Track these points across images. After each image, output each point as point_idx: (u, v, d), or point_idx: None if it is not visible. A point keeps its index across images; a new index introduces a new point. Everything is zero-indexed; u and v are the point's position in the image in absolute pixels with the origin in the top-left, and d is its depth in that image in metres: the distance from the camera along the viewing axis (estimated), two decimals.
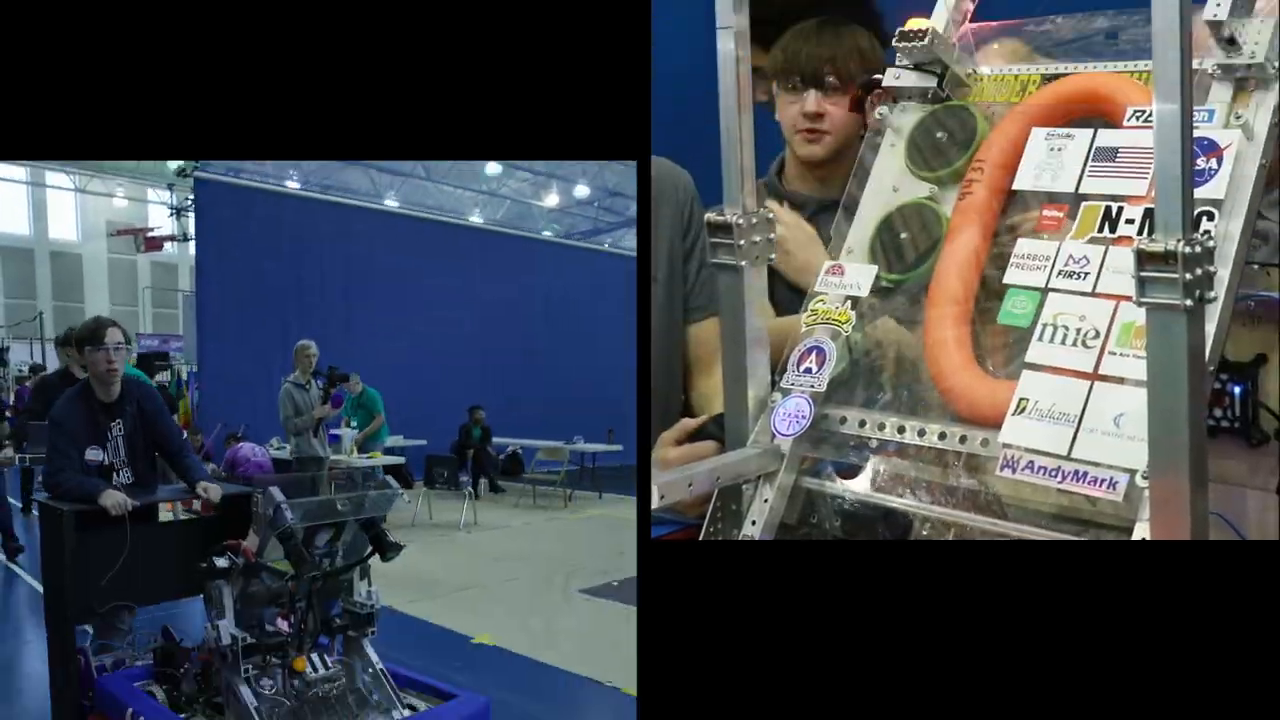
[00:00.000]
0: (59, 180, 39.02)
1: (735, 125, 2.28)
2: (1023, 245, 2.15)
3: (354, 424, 13.00)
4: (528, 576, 9.70)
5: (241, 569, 4.20)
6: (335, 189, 27.59)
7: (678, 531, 2.53)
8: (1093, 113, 2.24)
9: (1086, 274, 2.04)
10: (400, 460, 13.16)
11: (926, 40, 2.41)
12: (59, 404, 5.70)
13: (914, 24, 2.44)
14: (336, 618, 4.47)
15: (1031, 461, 1.98)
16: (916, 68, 2.48)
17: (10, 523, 10.51)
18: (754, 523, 2.32)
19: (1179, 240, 1.60)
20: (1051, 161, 2.19)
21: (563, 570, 9.82)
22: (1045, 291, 2.08)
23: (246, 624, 4.25)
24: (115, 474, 5.55)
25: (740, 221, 2.31)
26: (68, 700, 5.06)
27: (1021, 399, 2.02)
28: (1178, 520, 1.75)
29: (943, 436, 2.17)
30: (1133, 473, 1.87)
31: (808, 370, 2.35)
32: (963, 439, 2.14)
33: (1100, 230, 2.06)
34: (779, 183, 3.32)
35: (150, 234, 33.65)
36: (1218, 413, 2.20)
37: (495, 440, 17.07)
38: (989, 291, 2.22)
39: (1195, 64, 1.61)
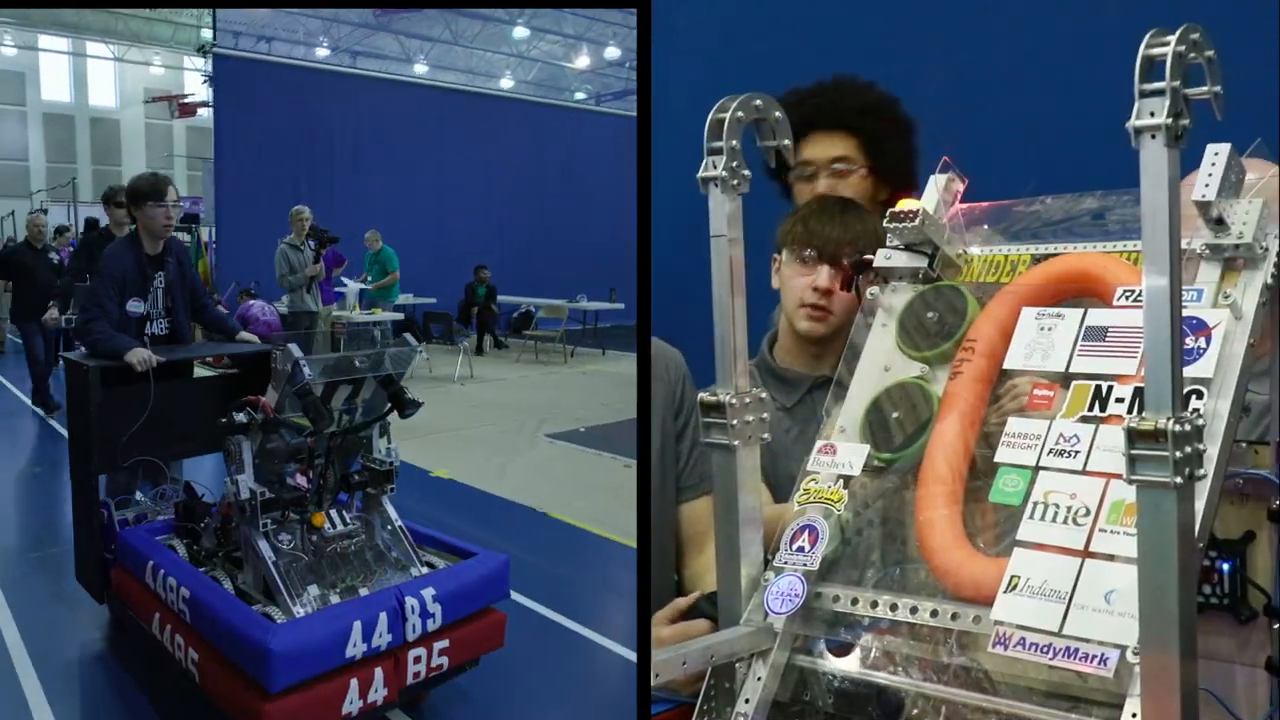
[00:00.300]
0: (99, 50, 41.68)
1: (729, 308, 2.33)
2: (1014, 424, 2.18)
3: (370, 279, 15.22)
4: (502, 423, 10.65)
5: (260, 424, 4.22)
6: (365, 54, 28.09)
7: (672, 710, 2.52)
8: (1082, 292, 2.30)
9: (1077, 452, 2.07)
10: (399, 317, 14.07)
11: (918, 221, 2.48)
12: (111, 253, 5.88)
13: (904, 205, 2.52)
14: (355, 474, 4.52)
15: (1023, 638, 1.99)
16: (908, 248, 2.55)
17: (48, 381, 11.34)
18: (748, 700, 2.32)
19: (1169, 418, 1.64)
20: (1042, 341, 2.25)
21: (537, 418, 10.35)
22: (1036, 470, 2.11)
23: (265, 479, 4.29)
24: (150, 323, 5.81)
25: (734, 401, 2.35)
26: (91, 552, 5.22)
27: (1013, 576, 2.04)
28: (1168, 695, 1.75)
29: (934, 614, 2.18)
30: (1123, 649, 1.88)
31: (800, 549, 2.37)
32: (954, 616, 2.15)
33: (1091, 409, 2.10)
34: (771, 359, 3.38)
35: (184, 100, 35.16)
36: (1206, 589, 2.22)
37: (504, 299, 18.66)
38: (979, 470, 2.25)
39: (1184, 244, 1.67)
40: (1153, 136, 1.64)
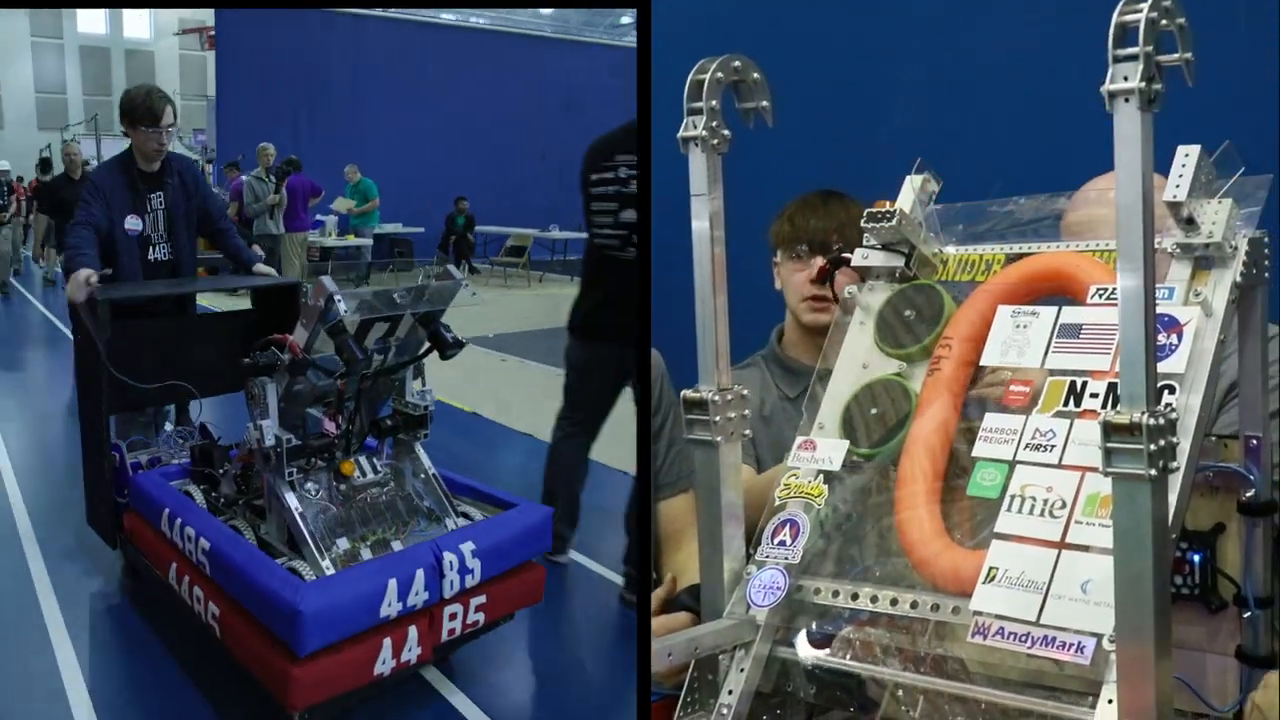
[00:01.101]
0: None
1: (710, 305, 2.38)
2: (990, 419, 2.23)
3: (356, 205, 17.68)
4: None
5: (287, 365, 3.97)
6: None
7: (656, 702, 2.56)
8: (1056, 290, 2.36)
9: (1053, 447, 2.12)
10: (368, 242, 15.49)
11: (895, 221, 2.53)
12: (99, 168, 5.75)
13: (880, 205, 2.57)
14: (386, 419, 4.22)
15: (1002, 628, 2.04)
16: (884, 247, 2.60)
17: None
18: (731, 691, 2.36)
19: (1144, 413, 1.69)
20: (1018, 338, 2.30)
21: (464, 330, 11.20)
22: (1013, 464, 2.16)
23: (290, 424, 4.08)
24: (152, 247, 5.53)
25: (716, 398, 2.39)
26: (101, 496, 5.05)
27: (991, 568, 2.08)
28: (1144, 681, 1.80)
29: (914, 605, 2.22)
30: (1099, 637, 1.93)
31: (782, 542, 2.42)
32: (934, 607, 2.19)
33: (1066, 404, 2.15)
34: (780, 351, 3.44)
35: (213, 32, 35.92)
36: (1178, 580, 2.27)
37: (482, 229, 20.53)
38: (957, 464, 2.30)
39: (1155, 243, 1.71)
40: (1126, 100, 1.68)
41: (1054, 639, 1.97)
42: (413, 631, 3.77)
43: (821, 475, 2.44)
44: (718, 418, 2.40)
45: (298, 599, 3.43)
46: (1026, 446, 2.16)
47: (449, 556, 3.82)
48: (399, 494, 4.27)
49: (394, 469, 4.35)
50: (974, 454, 2.23)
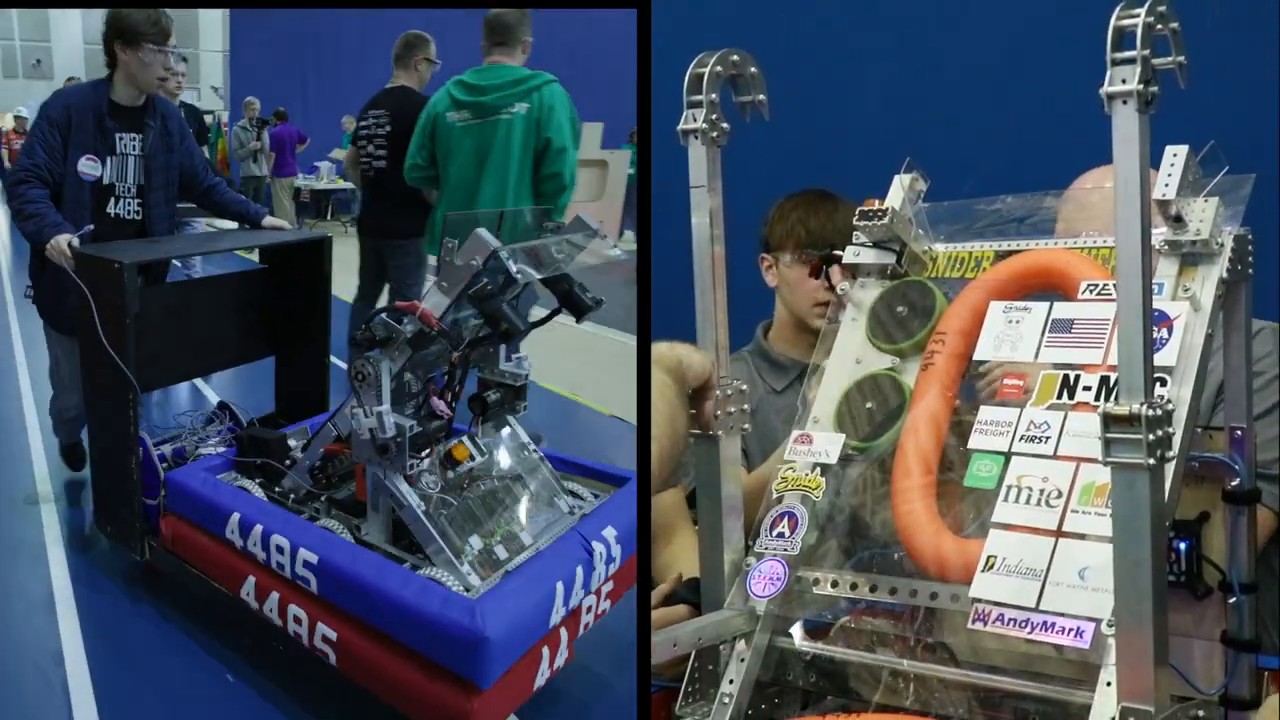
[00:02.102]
0: None
1: (711, 298, 2.44)
2: (985, 412, 2.29)
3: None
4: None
5: (408, 339, 3.46)
6: None
7: (656, 693, 2.61)
8: (1047, 286, 2.42)
9: (1048, 438, 2.18)
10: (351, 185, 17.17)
11: (886, 219, 2.59)
12: (54, 94, 4.74)
13: (872, 203, 2.63)
14: (488, 393, 3.80)
15: (1001, 614, 2.10)
16: (876, 245, 2.66)
17: None
18: (731, 681, 2.41)
19: (1142, 404, 1.75)
20: (1010, 333, 2.36)
21: None
22: (1009, 455, 2.22)
23: (398, 406, 3.58)
24: (115, 200, 4.68)
25: (716, 393, 2.45)
26: (126, 498, 4.33)
27: (990, 556, 2.14)
28: (1143, 663, 1.86)
29: (913, 594, 2.29)
30: (1098, 621, 1.99)
31: (780, 534, 2.47)
32: (933, 595, 2.26)
33: (1060, 397, 2.22)
34: (767, 345, 3.49)
35: None
36: (1165, 567, 2.34)
37: None
38: (951, 457, 2.37)
39: None
40: (1124, 102, 1.74)
41: (1053, 624, 2.03)
42: (563, 634, 3.49)
43: (818, 468, 2.50)
44: (719, 411, 2.45)
45: (478, 621, 3.06)
46: (1022, 438, 2.22)
47: (598, 547, 3.57)
48: (509, 477, 3.89)
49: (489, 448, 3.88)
50: (970, 446, 2.28)
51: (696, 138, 2.41)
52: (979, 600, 2.13)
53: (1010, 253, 2.53)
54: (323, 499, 3.96)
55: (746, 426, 2.52)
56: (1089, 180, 2.83)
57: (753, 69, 2.45)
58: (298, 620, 3.53)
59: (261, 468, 4.12)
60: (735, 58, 2.43)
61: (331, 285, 5.01)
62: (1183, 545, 2.35)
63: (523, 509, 3.83)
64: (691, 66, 2.42)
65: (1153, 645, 1.85)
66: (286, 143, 18.64)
